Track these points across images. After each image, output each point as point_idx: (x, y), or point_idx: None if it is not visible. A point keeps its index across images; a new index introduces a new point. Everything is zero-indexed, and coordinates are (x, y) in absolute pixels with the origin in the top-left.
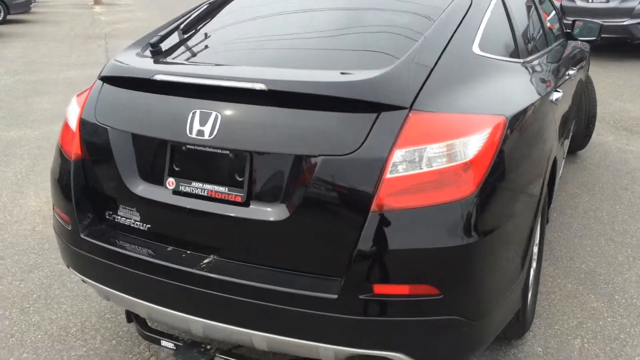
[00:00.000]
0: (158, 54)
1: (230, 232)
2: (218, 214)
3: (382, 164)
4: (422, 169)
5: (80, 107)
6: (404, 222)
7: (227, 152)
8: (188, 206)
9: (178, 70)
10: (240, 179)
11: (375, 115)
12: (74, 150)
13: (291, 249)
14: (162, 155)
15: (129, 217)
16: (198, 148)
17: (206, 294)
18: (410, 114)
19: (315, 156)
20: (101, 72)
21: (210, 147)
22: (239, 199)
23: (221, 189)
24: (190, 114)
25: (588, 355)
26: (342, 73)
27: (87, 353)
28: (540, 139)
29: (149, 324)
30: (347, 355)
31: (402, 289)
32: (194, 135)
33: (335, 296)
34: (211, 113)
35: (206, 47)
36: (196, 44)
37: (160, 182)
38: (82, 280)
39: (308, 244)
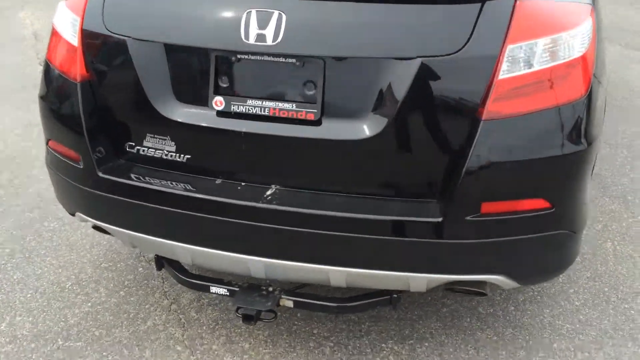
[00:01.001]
0: None
1: (300, 156)
2: (283, 136)
3: (493, 63)
4: (534, 67)
5: (80, 15)
6: (517, 130)
7: (294, 60)
8: (243, 129)
9: None
10: (311, 93)
11: (479, 4)
12: (79, 70)
13: (376, 172)
14: (204, 69)
15: (160, 147)
16: (255, 58)
17: (273, 230)
18: (517, 2)
19: (410, 58)
20: None
21: (272, 56)
22: (310, 117)
23: (287, 105)
24: (245, 15)
25: (623, 257)
26: None
27: (95, 309)
28: (600, 29)
29: (190, 270)
30: (440, 283)
31: (513, 206)
32: (252, 42)
33: (439, 219)
34: (273, 13)
35: None
36: None
37: (203, 103)
38: (97, 228)
39: (398, 164)
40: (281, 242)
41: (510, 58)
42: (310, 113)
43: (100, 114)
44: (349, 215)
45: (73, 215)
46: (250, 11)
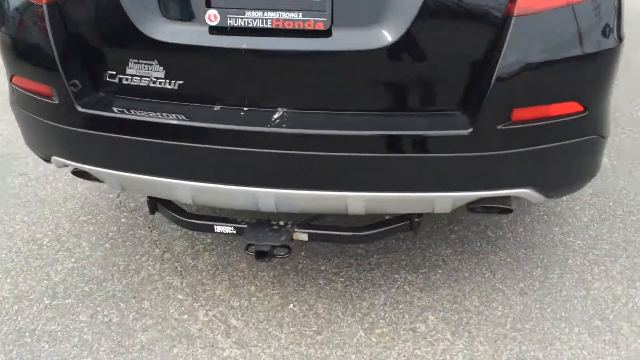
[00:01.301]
0: None
1: (309, 74)
2: (289, 51)
3: None
4: None
5: None
6: (550, 27)
7: None
8: (243, 46)
9: None
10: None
11: None
12: None
13: (396, 84)
14: None
15: (146, 74)
16: None
17: (284, 157)
18: None
19: None
20: None
21: None
22: (320, 26)
23: (292, 15)
24: None
25: (621, 172)
26: None
27: (80, 264)
28: None
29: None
30: (466, 202)
31: (545, 111)
32: None
33: (469, 131)
34: None
35: None
36: None
37: (195, 18)
38: (77, 173)
39: (420, 74)
40: (293, 170)
41: None
42: (319, 22)
43: (73, 40)
44: (368, 134)
45: (48, 161)
46: None
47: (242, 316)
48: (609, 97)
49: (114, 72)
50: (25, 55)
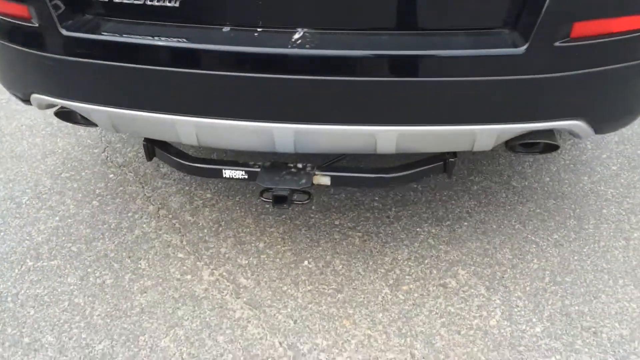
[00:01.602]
0: None
1: None
2: None
3: None
4: None
5: None
6: None
7: None
8: None
9: None
10: None
11: None
12: None
13: None
14: None
15: None
16: None
17: (307, 84)
18: None
19: None
20: None
21: None
22: None
23: None
24: None
25: None
26: None
27: (65, 223)
28: None
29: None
30: (512, 136)
31: (608, 25)
32: None
33: (523, 48)
34: None
35: None
36: None
37: None
38: (62, 114)
39: None
40: (316, 100)
41: None
42: None
43: None
44: (404, 54)
45: (27, 101)
46: None
47: (252, 275)
48: None
49: None
50: None
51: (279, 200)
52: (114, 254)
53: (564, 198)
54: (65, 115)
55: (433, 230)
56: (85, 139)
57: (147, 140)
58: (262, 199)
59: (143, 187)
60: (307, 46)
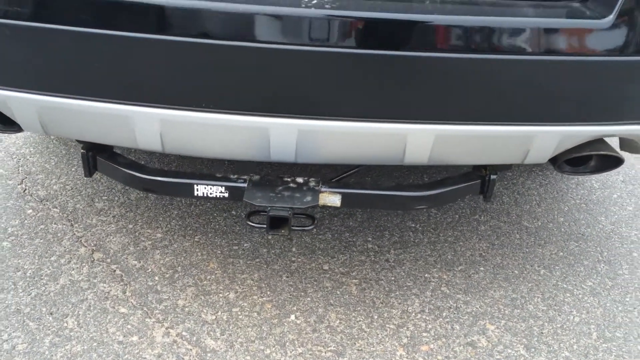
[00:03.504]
0: None
1: None
2: None
3: None
4: None
5: None
6: None
7: None
8: None
9: None
10: None
11: None
12: None
13: None
14: None
15: None
16: None
17: (318, 61)
18: None
19: None
20: None
21: None
22: None
23: None
24: None
25: None
26: None
27: None
28: None
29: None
30: (576, 144)
31: None
32: None
33: (607, 20)
34: None
35: None
36: None
37: None
38: None
39: None
40: (332, 84)
41: None
42: None
43: None
44: (456, 22)
45: None
46: None
47: (222, 334)
48: None
49: None
50: None
51: (277, 224)
52: (29, 309)
53: (586, 240)
54: None
55: (445, 277)
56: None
57: (86, 147)
58: (250, 223)
59: (72, 225)
60: (327, 6)
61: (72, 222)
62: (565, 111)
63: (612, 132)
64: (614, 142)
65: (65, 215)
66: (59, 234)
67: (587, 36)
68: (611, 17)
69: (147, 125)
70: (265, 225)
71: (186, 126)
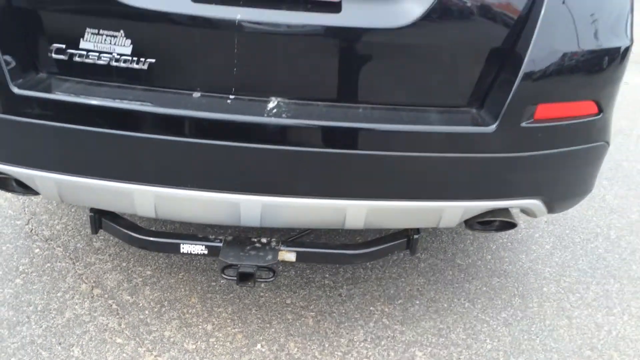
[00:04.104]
0: None
1: (315, 54)
2: (294, 25)
3: None
4: None
5: None
6: (575, 18)
7: None
8: (237, 17)
9: None
10: None
11: None
12: None
13: (414, 69)
14: None
15: (106, 49)
16: None
17: (278, 155)
18: None
19: None
20: None
21: None
22: None
23: None
24: None
25: None
26: None
27: None
28: None
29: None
30: (476, 214)
31: (566, 109)
32: None
33: (493, 127)
34: None
35: None
36: None
37: None
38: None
39: (439, 61)
40: (288, 171)
41: None
42: None
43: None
44: (379, 127)
45: None
46: None
47: None
48: (615, 103)
49: (63, 46)
50: None
51: (244, 278)
52: (41, 339)
53: (507, 276)
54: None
55: (386, 309)
56: (6, 209)
57: (94, 210)
58: (224, 276)
59: (74, 263)
60: (283, 115)
61: (74, 260)
62: (465, 191)
63: (501, 206)
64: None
65: (67, 254)
66: (63, 272)
67: (479, 138)
68: (495, 125)
69: (144, 199)
70: (235, 278)
71: (176, 200)
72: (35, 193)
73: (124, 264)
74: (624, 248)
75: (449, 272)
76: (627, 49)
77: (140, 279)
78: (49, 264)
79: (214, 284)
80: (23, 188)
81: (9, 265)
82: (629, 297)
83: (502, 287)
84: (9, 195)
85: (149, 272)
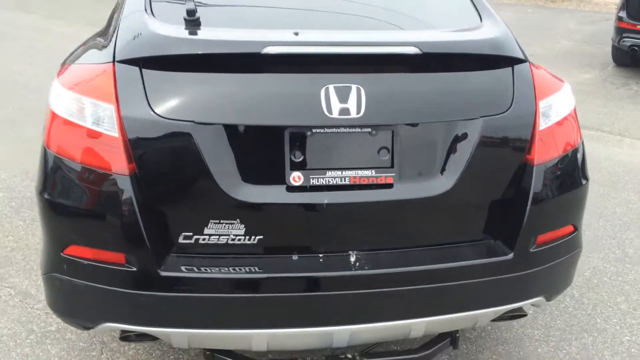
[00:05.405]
0: (203, 26)
1: (379, 219)
2: (364, 202)
3: (533, 117)
4: (552, 118)
5: (114, 102)
6: (555, 171)
7: (369, 129)
8: (325, 201)
9: (290, 40)
10: (385, 158)
11: (510, 69)
12: (125, 162)
13: (450, 222)
14: (276, 147)
15: (225, 233)
16: (331, 130)
17: (364, 296)
18: (530, 66)
19: (475, 119)
20: (129, 50)
21: (357, 127)
22: (390, 180)
23: (366, 172)
24: (323, 91)
25: None
26: (460, 31)
27: None
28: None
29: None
30: (501, 314)
31: (555, 234)
32: (335, 115)
33: (510, 255)
34: (350, 87)
35: (246, 11)
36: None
37: (277, 181)
38: (126, 337)
39: (470, 212)
40: (370, 306)
41: (542, 111)
42: (389, 177)
43: (154, 208)
44: (432, 268)
45: (91, 327)
46: (328, 87)
47: None
48: (582, 215)
49: (190, 234)
50: (98, 224)
51: None
52: None
53: (508, 343)
54: (129, 337)
55: None
56: (76, 342)
57: (209, 349)
58: None
59: None
60: (366, 267)
61: None
62: (494, 301)
63: (518, 306)
64: None
65: None
66: None
67: (502, 264)
68: (512, 254)
69: (260, 339)
70: None
71: (285, 336)
72: (152, 339)
73: None
74: (587, 304)
75: (463, 346)
76: (587, 185)
77: None
78: None
79: None
80: (141, 337)
81: None
82: (601, 347)
83: (507, 354)
84: (72, 328)
85: None
